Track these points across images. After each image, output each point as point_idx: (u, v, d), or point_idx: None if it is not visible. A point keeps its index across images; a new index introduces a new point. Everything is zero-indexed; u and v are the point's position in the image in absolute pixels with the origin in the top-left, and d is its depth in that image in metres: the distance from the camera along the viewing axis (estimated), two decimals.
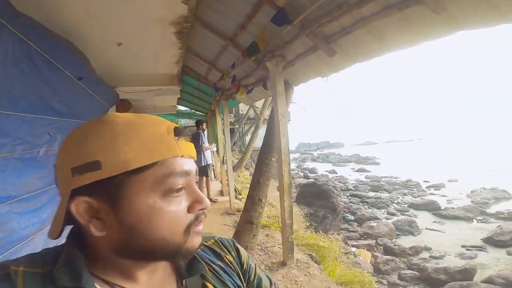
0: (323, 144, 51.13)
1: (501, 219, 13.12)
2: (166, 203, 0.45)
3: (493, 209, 14.68)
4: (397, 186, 21.71)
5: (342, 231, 11.62)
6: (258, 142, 17.26)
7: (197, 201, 0.49)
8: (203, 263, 0.57)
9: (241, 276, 0.63)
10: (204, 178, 6.52)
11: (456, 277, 7.63)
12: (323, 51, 2.72)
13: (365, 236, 11.22)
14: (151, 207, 0.44)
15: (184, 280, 0.55)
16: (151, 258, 0.48)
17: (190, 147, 0.50)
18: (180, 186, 0.47)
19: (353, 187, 21.51)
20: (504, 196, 16.89)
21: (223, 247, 0.64)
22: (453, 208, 14.89)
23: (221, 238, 0.66)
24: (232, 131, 18.61)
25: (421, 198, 17.33)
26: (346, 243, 10.03)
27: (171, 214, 0.46)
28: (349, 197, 18.53)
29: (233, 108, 19.26)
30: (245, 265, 0.65)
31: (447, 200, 16.87)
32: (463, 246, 10.47)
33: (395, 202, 17.40)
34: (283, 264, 3.61)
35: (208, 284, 0.56)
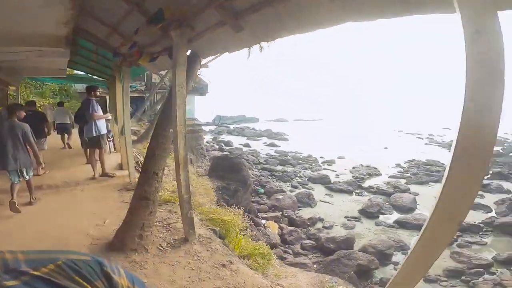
0: (240, 118, 52.45)
1: (371, 192, 16.78)
2: None
3: (367, 183, 18.60)
4: (300, 161, 24.64)
5: (254, 204, 12.63)
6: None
7: None
8: None
9: None
10: (97, 150, 5.96)
11: (341, 246, 9.42)
12: (230, 26, 2.76)
13: (273, 208, 12.54)
14: None
15: None
16: None
17: None
18: None
19: (264, 160, 23.26)
20: (375, 172, 21.52)
21: (77, 276, 0.38)
22: (339, 182, 18.13)
23: (73, 261, 0.39)
24: (142, 99, 17.08)
25: (318, 173, 20.31)
26: (257, 216, 10.98)
27: None
28: (260, 170, 20.02)
29: (145, 76, 17.53)
30: None
31: (336, 175, 20.32)
32: (345, 217, 12.99)
33: (298, 175, 19.86)
34: (185, 240, 3.59)
35: None
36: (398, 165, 25.09)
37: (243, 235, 4.74)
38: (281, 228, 10.48)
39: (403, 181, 19.37)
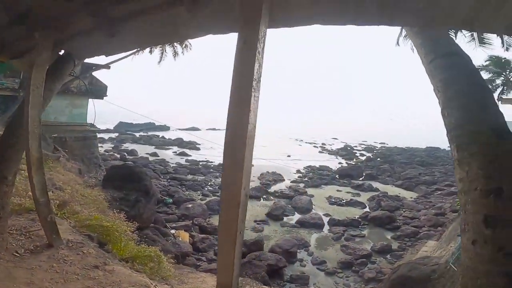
0: (148, 125, 48.45)
1: (276, 197, 18.27)
2: None
3: (272, 189, 20.21)
4: (211, 170, 24.74)
5: (161, 214, 11.95)
6: (50, 115, 14.08)
7: None
8: None
9: None
10: None
11: (252, 248, 9.83)
12: (103, 31, 2.83)
13: (182, 218, 12.17)
14: None
15: None
16: None
17: None
18: None
19: (173, 170, 22.28)
20: (279, 178, 23.60)
21: None
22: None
23: None
24: (14, 99, 13.98)
25: None
26: (165, 226, 10.45)
27: None
28: (169, 180, 19.08)
29: (21, 72, 14.47)
30: None
31: None
32: (255, 221, 13.73)
33: (209, 184, 19.86)
34: (49, 246, 3.52)
35: None
36: (298, 171, 28.27)
37: (130, 240, 4.80)
38: (192, 236, 10.29)
39: (302, 185, 21.90)
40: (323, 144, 61.04)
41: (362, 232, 13.74)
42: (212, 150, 38.07)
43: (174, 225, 11.06)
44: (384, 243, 12.13)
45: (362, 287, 9.37)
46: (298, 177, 25.38)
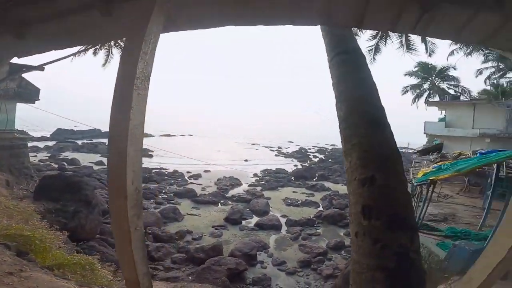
0: (92, 132, 44.35)
1: (234, 201, 18.09)
2: None
3: (230, 193, 19.98)
4: (165, 177, 23.57)
5: (107, 225, 10.99)
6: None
7: None
8: None
9: None
10: None
11: (210, 254, 9.52)
12: (10, 33, 2.74)
13: None
14: None
15: None
16: None
17: None
18: None
19: None
20: (237, 182, 23.48)
21: None
22: (205, 194, 18.58)
23: None
24: None
25: (184, 187, 20.01)
26: (113, 237, 9.66)
27: None
28: None
29: None
30: None
31: (202, 188, 20.74)
32: (213, 227, 13.36)
33: (163, 191, 18.84)
34: None
35: None
36: (255, 174, 28.54)
37: (58, 249, 4.79)
38: (146, 246, 9.61)
39: (259, 188, 22.07)
40: (279, 147, 62.78)
41: (318, 230, 14.26)
42: (165, 157, 36.48)
43: None
44: (338, 239, 12.71)
45: (322, 284, 9.66)
46: (255, 180, 25.56)
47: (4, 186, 9.46)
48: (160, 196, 17.68)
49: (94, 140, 41.31)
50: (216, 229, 13.17)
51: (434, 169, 6.34)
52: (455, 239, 6.55)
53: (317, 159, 45.49)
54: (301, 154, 50.70)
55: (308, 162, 42.25)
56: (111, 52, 13.20)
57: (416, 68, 25.77)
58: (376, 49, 9.69)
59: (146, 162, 30.48)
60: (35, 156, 25.53)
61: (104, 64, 13.51)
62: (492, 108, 16.76)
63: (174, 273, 8.76)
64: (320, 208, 17.67)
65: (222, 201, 17.81)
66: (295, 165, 37.62)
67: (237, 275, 8.97)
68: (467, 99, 21.72)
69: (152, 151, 39.31)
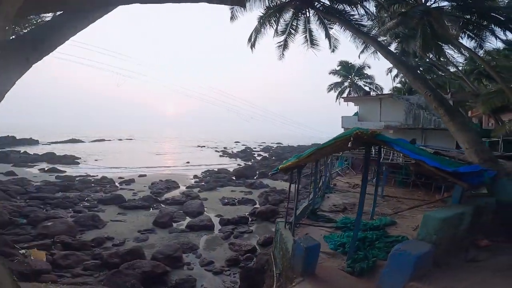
0: (4, 140, 37.94)
1: (168, 204, 17.19)
2: None
3: (164, 197, 19.00)
4: (92, 184, 21.37)
5: (10, 236, 9.84)
6: None
7: None
8: None
9: None
10: None
11: (127, 258, 8.85)
12: None
13: (40, 237, 10.34)
14: None
15: None
16: None
17: None
18: None
19: (36, 189, 18.07)
20: (174, 185, 22.47)
21: None
22: (135, 199, 17.34)
23: None
24: None
25: (111, 194, 18.37)
26: (13, 247, 8.62)
27: None
28: (28, 200, 15.38)
29: None
30: None
31: (133, 193, 19.30)
32: (139, 231, 12.47)
33: (85, 199, 17.02)
34: None
35: None
36: (195, 176, 27.77)
37: None
38: (52, 254, 8.88)
39: (197, 189, 21.49)
40: (224, 148, 62.49)
41: (250, 228, 14.32)
42: (96, 163, 33.25)
43: (26, 245, 9.42)
44: (267, 235, 12.88)
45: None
46: (194, 182, 24.89)
47: None
48: (81, 204, 15.94)
49: (7, 149, 35.49)
50: (142, 233, 12.38)
51: (292, 159, 5.76)
52: (344, 230, 6.33)
53: (261, 157, 46.46)
54: (245, 154, 51.21)
55: (252, 160, 42.86)
56: None
57: (339, 67, 28.15)
58: (285, 45, 10.12)
59: (70, 170, 27.36)
60: None
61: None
62: (395, 102, 19.07)
63: (83, 278, 8.12)
64: (257, 205, 17.87)
65: (154, 205, 16.83)
66: (238, 165, 37.79)
67: (156, 278, 8.51)
68: (374, 95, 24.24)
69: (80, 158, 35.56)
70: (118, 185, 22.13)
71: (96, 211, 14.74)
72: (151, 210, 16.08)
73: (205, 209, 16.40)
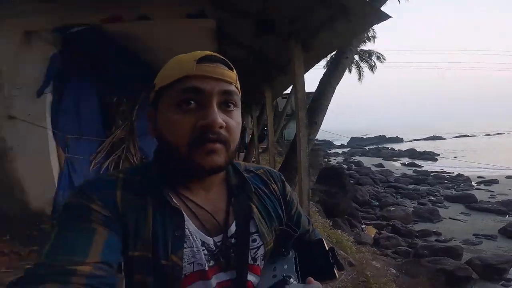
0: (378, 139, 49.12)
1: None
2: (174, 113, 0.53)
3: None
4: (445, 181, 21.24)
5: (361, 212, 13.16)
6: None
7: (202, 117, 0.52)
8: (252, 186, 0.64)
9: (283, 206, 0.69)
10: None
11: (438, 253, 8.24)
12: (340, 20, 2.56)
13: (381, 218, 12.43)
14: (166, 114, 0.54)
15: (232, 198, 0.62)
16: (178, 167, 0.57)
17: (212, 69, 0.53)
18: (188, 99, 0.52)
19: (394, 179, 21.78)
20: None
21: (270, 177, 0.71)
22: (490, 202, 14.68)
23: (269, 169, 0.73)
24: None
25: (463, 192, 17.09)
26: (360, 221, 11.66)
27: (174, 122, 0.53)
28: (385, 188, 19.17)
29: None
30: (288, 197, 0.71)
31: (491, 195, 16.33)
32: (474, 234, 10.89)
33: (433, 194, 17.53)
34: None
35: (252, 205, 0.63)
36: None
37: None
38: (380, 233, 10.54)
39: None
40: None
41: None
42: (454, 160, 31.68)
43: (368, 222, 11.73)
44: None
45: None
46: None
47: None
48: (427, 198, 16.75)
49: (380, 146, 45.42)
50: (477, 237, 10.57)
51: None
52: None
53: None
54: None
55: None
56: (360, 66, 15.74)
57: None
58: None
59: (427, 166, 28.90)
60: (334, 159, 33.92)
61: (359, 79, 16.32)
62: None
63: (386, 258, 8.44)
64: None
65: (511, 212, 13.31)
66: None
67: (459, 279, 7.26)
68: None
69: (438, 154, 35.90)
70: (474, 184, 19.90)
71: (439, 206, 14.78)
72: (507, 217, 12.89)
73: None
